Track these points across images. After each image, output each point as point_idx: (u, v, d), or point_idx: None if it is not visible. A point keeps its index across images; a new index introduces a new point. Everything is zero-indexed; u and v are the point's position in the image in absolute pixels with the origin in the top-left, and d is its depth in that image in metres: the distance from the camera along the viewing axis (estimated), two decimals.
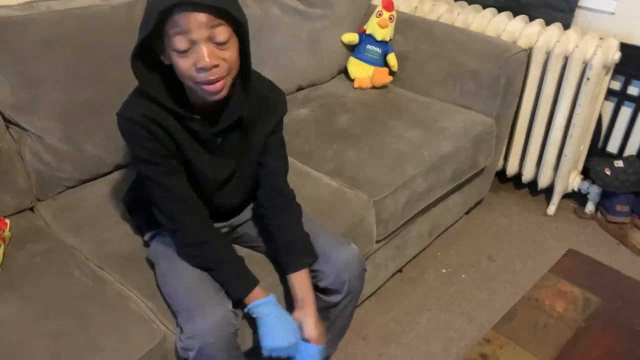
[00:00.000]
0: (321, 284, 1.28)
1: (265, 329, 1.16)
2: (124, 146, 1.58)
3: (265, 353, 1.18)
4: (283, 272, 1.28)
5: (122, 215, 1.45)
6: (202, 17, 0.96)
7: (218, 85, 1.02)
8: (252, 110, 1.16)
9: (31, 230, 1.40)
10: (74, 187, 1.55)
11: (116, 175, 1.61)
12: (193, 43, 0.98)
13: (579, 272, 1.20)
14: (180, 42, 0.97)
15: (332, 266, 1.26)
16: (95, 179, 1.58)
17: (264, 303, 1.16)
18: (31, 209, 1.50)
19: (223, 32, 0.99)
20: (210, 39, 0.98)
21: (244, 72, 1.08)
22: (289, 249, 1.26)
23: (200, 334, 1.09)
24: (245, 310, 1.18)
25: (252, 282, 1.18)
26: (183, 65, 1.00)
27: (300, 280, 1.24)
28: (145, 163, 1.12)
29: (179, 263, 1.20)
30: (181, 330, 1.13)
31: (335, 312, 1.33)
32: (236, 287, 1.17)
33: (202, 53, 0.98)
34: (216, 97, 1.05)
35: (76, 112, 1.48)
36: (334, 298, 1.30)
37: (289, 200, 1.29)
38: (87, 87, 1.49)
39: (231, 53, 1.02)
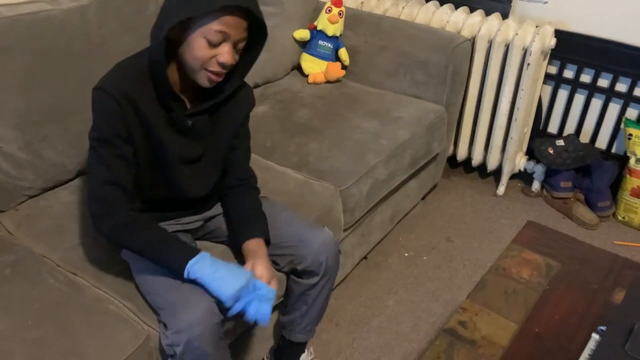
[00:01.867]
0: (300, 267, 1.32)
1: (212, 284, 1.10)
2: (86, 151, 1.55)
3: (229, 303, 1.11)
4: (237, 244, 1.26)
5: (90, 219, 1.42)
6: (244, 25, 1.10)
7: (220, 78, 1.14)
8: (223, 99, 1.23)
9: None
10: (36, 195, 1.51)
11: (79, 181, 1.57)
12: (225, 39, 1.09)
13: (538, 241, 1.29)
14: (217, 36, 1.07)
15: (309, 249, 1.30)
16: (57, 186, 1.55)
17: (198, 260, 1.11)
18: None
19: (244, 42, 1.14)
20: (235, 44, 1.11)
21: (242, 72, 1.22)
22: (243, 220, 1.29)
23: (187, 327, 1.09)
24: (185, 275, 1.11)
25: (194, 250, 1.14)
26: (205, 52, 1.09)
27: (252, 244, 1.23)
28: (102, 140, 1.12)
29: None
30: (165, 326, 1.13)
31: (313, 294, 1.37)
32: (180, 258, 1.12)
33: (228, 52, 1.10)
34: (211, 85, 1.15)
35: (35, 119, 1.44)
36: (312, 280, 1.34)
37: (250, 182, 1.36)
38: (45, 92, 1.46)
39: (237, 57, 1.15)
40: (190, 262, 1.11)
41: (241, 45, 1.13)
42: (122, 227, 1.14)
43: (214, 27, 1.06)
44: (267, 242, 1.28)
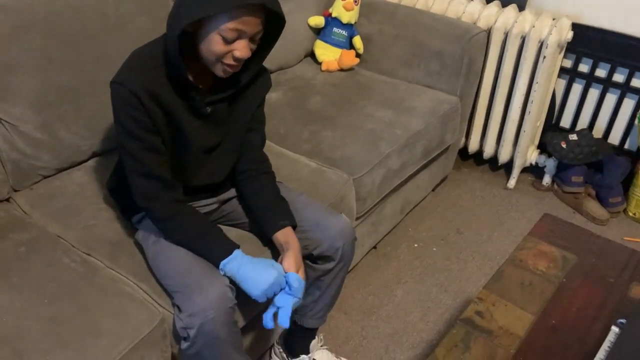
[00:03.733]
0: (315, 252, 1.32)
1: (244, 282, 1.15)
2: (100, 133, 1.55)
3: (260, 300, 1.16)
4: (267, 235, 1.29)
5: (105, 201, 1.43)
6: (260, 20, 1.08)
7: (237, 68, 1.13)
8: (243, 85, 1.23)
9: (11, 220, 1.36)
10: (50, 176, 1.51)
11: (93, 163, 1.58)
12: (240, 36, 1.08)
13: (555, 233, 1.29)
14: (232, 34, 1.07)
15: (325, 234, 1.31)
16: (71, 167, 1.55)
17: (230, 260, 1.16)
18: (7, 200, 1.45)
19: (261, 34, 1.12)
20: (252, 38, 1.10)
21: (259, 59, 1.21)
22: (267, 209, 1.29)
23: (201, 311, 1.10)
24: (222, 274, 1.17)
25: (232, 246, 1.18)
26: (220, 48, 1.08)
27: (283, 234, 1.25)
28: (129, 135, 1.12)
29: (170, 243, 1.21)
30: (179, 309, 1.14)
31: (327, 280, 1.37)
32: (217, 254, 1.17)
33: (244, 47, 1.09)
34: (226, 75, 1.14)
35: (51, 99, 1.44)
36: (328, 265, 1.34)
37: (266, 166, 1.36)
38: (61, 72, 1.46)
39: (255, 47, 1.14)
40: (223, 263, 1.16)
41: (258, 36, 1.12)
42: (164, 220, 1.19)
43: (229, 26, 1.05)
44: (294, 227, 1.28)
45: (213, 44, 1.08)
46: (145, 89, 1.09)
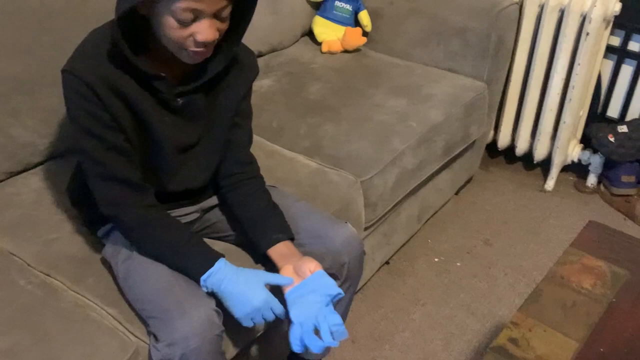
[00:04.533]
0: None
1: (228, 299, 1.16)
2: (60, 129, 1.57)
3: (245, 324, 1.17)
4: (258, 251, 1.30)
5: (67, 210, 1.44)
6: None
7: (207, 52, 1.12)
8: (220, 71, 1.23)
9: None
10: (1, 181, 1.53)
11: (51, 165, 1.60)
12: (198, 15, 1.05)
13: (602, 244, 1.30)
14: (186, 15, 1.04)
15: (328, 247, 1.32)
16: (26, 170, 1.57)
17: (213, 272, 1.16)
18: None
19: (228, 9, 1.09)
20: (216, 15, 1.07)
21: (235, 39, 1.19)
22: (258, 221, 1.30)
23: (182, 339, 1.11)
24: (203, 290, 1.18)
25: (215, 256, 1.19)
26: (178, 33, 1.07)
27: (279, 249, 1.26)
28: (85, 133, 1.13)
29: (144, 260, 1.22)
30: (155, 338, 1.15)
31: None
32: (198, 265, 1.18)
33: (206, 28, 1.06)
34: (197, 62, 1.13)
35: (2, 90, 1.46)
36: None
37: (253, 169, 1.37)
38: (13, 60, 1.47)
39: (226, 24, 1.12)
40: (204, 276, 1.16)
41: (225, 12, 1.09)
42: (134, 229, 1.20)
43: (181, 5, 1.03)
44: (292, 240, 1.30)
45: (168, 27, 1.06)
46: (102, 79, 1.10)
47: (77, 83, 1.09)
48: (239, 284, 1.17)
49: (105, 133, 1.13)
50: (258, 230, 1.30)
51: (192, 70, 1.20)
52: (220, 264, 1.18)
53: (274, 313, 1.19)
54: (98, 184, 1.18)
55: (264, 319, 1.19)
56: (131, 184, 1.19)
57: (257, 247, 1.30)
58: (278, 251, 1.26)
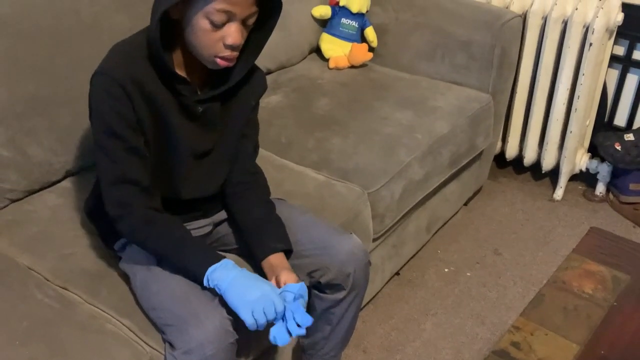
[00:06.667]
0: (323, 280, 1.36)
1: (231, 294, 1.15)
2: (76, 148, 1.62)
3: (246, 317, 1.15)
4: (256, 262, 1.32)
5: (83, 226, 1.49)
6: (251, 0, 1.14)
7: (233, 59, 1.19)
8: (236, 84, 1.29)
9: None
10: (19, 199, 1.57)
11: (67, 183, 1.64)
12: (230, 18, 1.13)
13: (603, 249, 1.32)
14: (220, 17, 1.12)
15: (334, 257, 1.34)
16: (43, 188, 1.61)
17: (220, 267, 1.17)
18: None
19: (254, 17, 1.18)
20: (244, 21, 1.16)
21: (255, 50, 1.27)
22: (257, 230, 1.33)
23: (198, 347, 1.14)
24: (205, 284, 1.18)
25: (216, 256, 1.21)
26: (210, 37, 1.14)
27: (274, 259, 1.28)
28: (108, 133, 1.18)
29: (161, 270, 1.26)
30: (171, 346, 1.19)
31: (338, 312, 1.41)
32: (204, 260, 1.19)
33: (236, 31, 1.14)
34: (221, 67, 1.20)
35: (19, 110, 1.51)
36: (338, 295, 1.38)
37: (259, 179, 1.41)
38: (30, 80, 1.53)
39: (246, 34, 1.20)
40: (210, 269, 1.18)
41: (251, 20, 1.17)
42: (140, 229, 1.23)
43: (216, 6, 1.10)
44: (290, 252, 1.32)
45: (200, 29, 1.13)
46: (132, 79, 1.16)
47: (109, 83, 1.15)
48: (242, 277, 1.18)
49: (128, 134, 1.18)
50: (256, 239, 1.33)
51: (211, 79, 1.27)
52: (228, 261, 1.20)
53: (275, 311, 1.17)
54: (110, 185, 1.21)
55: (265, 316, 1.15)
56: (141, 186, 1.22)
57: (254, 256, 1.32)
58: (270, 262, 1.29)
